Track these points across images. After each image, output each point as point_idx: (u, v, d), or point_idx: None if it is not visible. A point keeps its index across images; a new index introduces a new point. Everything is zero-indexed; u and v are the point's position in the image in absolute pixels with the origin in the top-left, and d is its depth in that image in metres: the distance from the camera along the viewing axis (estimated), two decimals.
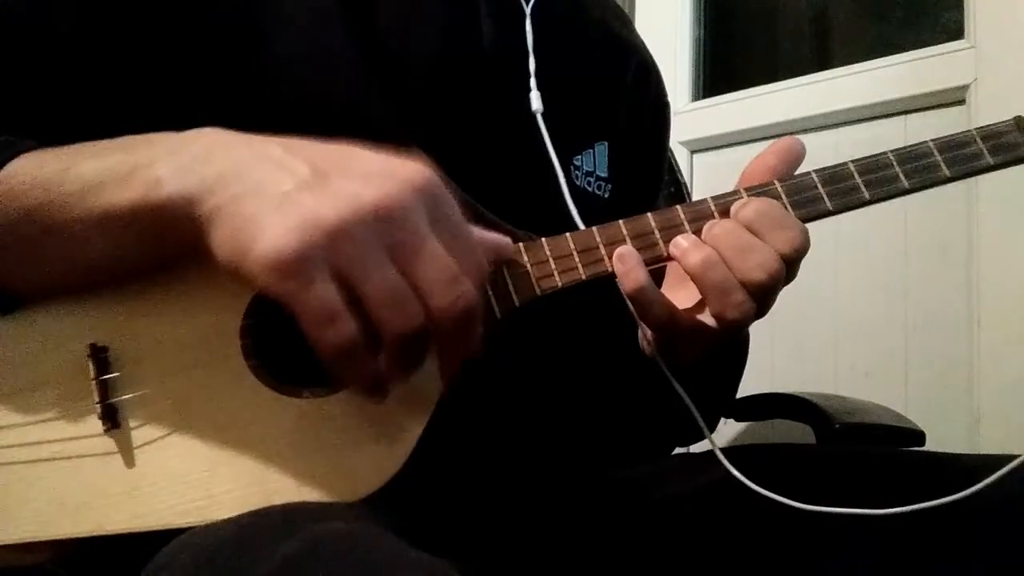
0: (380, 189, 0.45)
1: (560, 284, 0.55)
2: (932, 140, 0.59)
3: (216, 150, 0.49)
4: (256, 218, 0.45)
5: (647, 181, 0.84)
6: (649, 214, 0.55)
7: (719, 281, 0.56)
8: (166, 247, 0.52)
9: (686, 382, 0.61)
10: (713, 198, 0.56)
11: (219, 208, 0.46)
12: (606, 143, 0.76)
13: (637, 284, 0.56)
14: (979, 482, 0.56)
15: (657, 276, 0.58)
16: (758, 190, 0.59)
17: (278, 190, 0.45)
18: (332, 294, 0.44)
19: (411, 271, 0.45)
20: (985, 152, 0.58)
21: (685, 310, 0.60)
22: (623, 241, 0.55)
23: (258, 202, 0.45)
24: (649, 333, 0.61)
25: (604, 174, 0.75)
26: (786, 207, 0.58)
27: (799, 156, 0.61)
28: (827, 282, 1.50)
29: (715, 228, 0.58)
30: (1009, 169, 0.60)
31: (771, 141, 0.62)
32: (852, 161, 0.59)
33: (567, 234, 0.55)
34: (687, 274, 0.57)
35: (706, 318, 0.59)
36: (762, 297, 0.57)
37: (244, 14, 0.63)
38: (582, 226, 0.64)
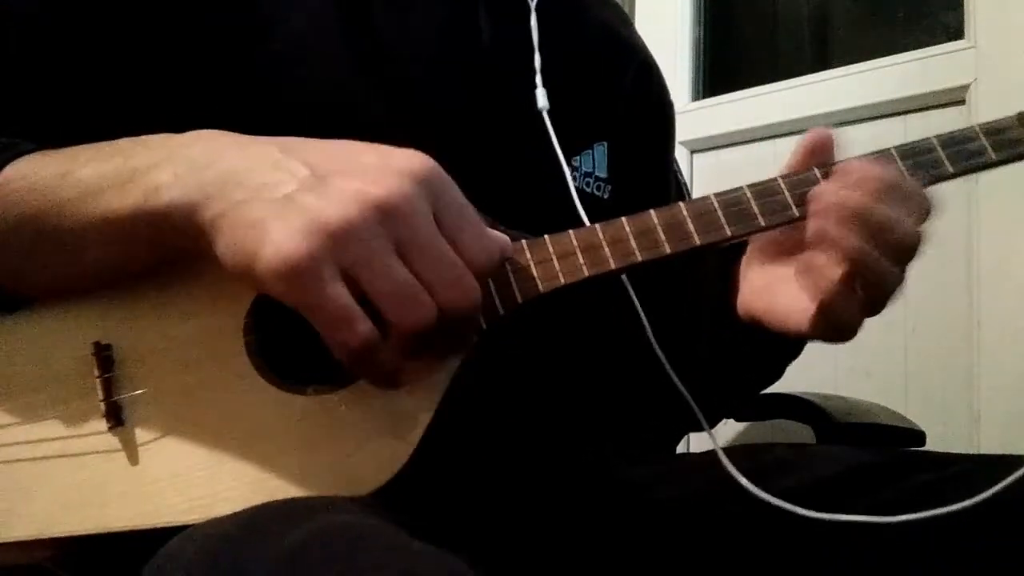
0: (381, 184, 0.45)
1: (563, 282, 0.55)
2: (935, 136, 0.59)
3: (214, 154, 0.49)
4: (260, 224, 0.44)
5: (650, 182, 0.82)
6: (652, 211, 0.55)
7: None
8: (166, 253, 0.52)
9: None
10: (716, 195, 0.56)
11: (222, 215, 0.46)
12: (605, 143, 0.75)
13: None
14: (978, 482, 0.55)
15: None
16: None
17: (279, 193, 0.45)
18: (344, 296, 0.44)
19: (418, 266, 0.46)
20: (988, 148, 0.58)
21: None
22: (626, 239, 0.55)
23: (260, 207, 0.45)
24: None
25: (604, 175, 0.75)
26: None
27: (832, 145, 0.60)
28: None
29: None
30: (1008, 168, 0.61)
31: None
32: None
33: (570, 232, 0.55)
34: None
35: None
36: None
37: (241, 15, 0.63)
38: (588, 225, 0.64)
